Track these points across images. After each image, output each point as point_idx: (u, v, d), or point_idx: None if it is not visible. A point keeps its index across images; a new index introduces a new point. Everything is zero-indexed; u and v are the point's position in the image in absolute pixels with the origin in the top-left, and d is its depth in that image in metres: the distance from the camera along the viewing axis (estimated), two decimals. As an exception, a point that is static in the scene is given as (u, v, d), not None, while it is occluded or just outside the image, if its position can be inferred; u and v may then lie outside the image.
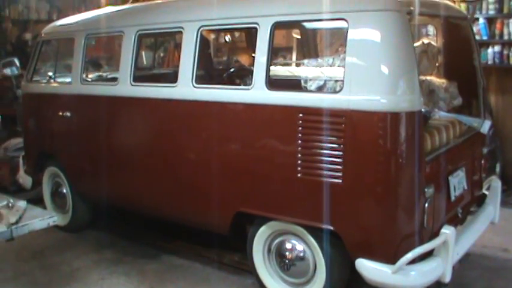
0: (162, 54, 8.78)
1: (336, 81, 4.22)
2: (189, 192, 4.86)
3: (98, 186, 5.79)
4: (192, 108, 4.69)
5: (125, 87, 5.19)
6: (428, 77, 5.01)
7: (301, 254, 4.34)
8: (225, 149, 4.51)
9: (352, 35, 3.81)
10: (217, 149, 4.56)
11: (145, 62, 7.90)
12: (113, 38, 7.37)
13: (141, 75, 5.91)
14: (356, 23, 3.80)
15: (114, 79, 5.48)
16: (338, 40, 5.22)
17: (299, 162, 4.04)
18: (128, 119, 5.29)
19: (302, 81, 4.49)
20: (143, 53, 7.65)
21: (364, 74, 3.78)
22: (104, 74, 6.67)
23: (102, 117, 5.53)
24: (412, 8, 3.76)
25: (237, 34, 7.72)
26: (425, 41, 5.25)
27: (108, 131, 5.48)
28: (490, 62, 7.50)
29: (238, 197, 4.49)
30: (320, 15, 4.12)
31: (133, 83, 5.14)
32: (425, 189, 3.88)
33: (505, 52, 7.40)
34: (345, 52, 3.89)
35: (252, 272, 4.67)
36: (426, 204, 3.88)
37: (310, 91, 4.32)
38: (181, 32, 4.78)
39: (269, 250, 4.53)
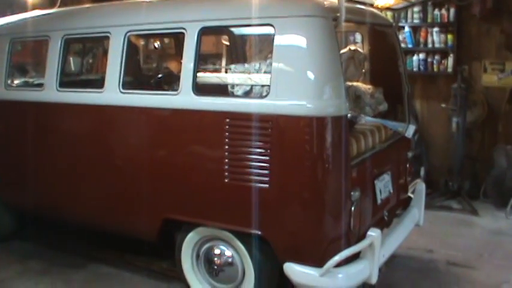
0: (90, 60, 8.60)
1: (263, 86, 4.23)
2: (116, 200, 4.78)
3: (23, 195, 5.60)
4: (119, 114, 4.62)
5: (51, 92, 5.07)
6: (355, 83, 5.11)
7: (230, 260, 4.34)
8: (152, 154, 4.47)
9: (278, 40, 3.84)
10: (144, 155, 4.51)
11: (72, 68, 7.72)
12: (40, 42, 7.20)
13: (68, 81, 5.78)
14: (282, 29, 3.84)
15: (40, 85, 5.35)
16: (266, 46, 5.25)
17: (226, 167, 4.03)
18: (54, 125, 5.17)
19: (229, 87, 4.49)
20: (70, 58, 7.48)
21: (290, 79, 3.81)
22: (30, 80, 6.49)
23: (28, 124, 5.37)
24: (338, 15, 3.81)
25: (167, 40, 7.66)
26: (352, 47, 5.36)
27: (34, 137, 5.32)
28: (415, 69, 7.76)
29: (165, 203, 4.45)
30: (247, 20, 4.15)
31: (59, 89, 5.03)
32: (352, 193, 3.93)
33: (429, 60, 7.69)
34: (271, 57, 3.92)
35: (181, 278, 4.63)
36: (352, 208, 3.93)
37: (237, 96, 4.32)
38: (108, 37, 4.71)
39: (197, 256, 4.51)
